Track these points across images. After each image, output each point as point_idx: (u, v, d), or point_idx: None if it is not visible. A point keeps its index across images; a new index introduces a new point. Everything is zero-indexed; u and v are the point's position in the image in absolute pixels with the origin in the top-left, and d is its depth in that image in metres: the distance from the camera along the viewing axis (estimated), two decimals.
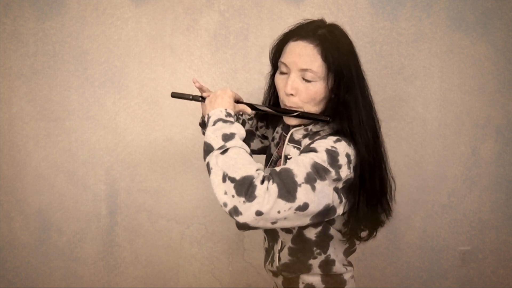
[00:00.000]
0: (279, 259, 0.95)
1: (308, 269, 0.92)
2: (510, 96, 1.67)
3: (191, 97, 0.96)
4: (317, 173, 0.74)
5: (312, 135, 0.88)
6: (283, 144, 0.93)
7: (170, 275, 1.70)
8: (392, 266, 1.78)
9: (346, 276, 0.94)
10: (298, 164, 0.74)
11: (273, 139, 1.03)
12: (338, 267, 0.92)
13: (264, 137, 1.15)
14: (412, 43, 1.59)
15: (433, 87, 1.64)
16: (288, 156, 0.91)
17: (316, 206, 0.73)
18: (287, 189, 0.70)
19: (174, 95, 0.98)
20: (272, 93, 0.97)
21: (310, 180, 0.73)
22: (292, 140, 0.92)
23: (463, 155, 1.70)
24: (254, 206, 0.68)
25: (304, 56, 0.81)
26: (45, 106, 1.53)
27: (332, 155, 0.76)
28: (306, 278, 0.93)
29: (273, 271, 0.99)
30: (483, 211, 1.76)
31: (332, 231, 0.89)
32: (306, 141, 0.88)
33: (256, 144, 1.15)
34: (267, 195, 0.69)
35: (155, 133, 1.59)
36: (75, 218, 1.62)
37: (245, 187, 0.69)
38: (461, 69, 1.64)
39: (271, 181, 0.71)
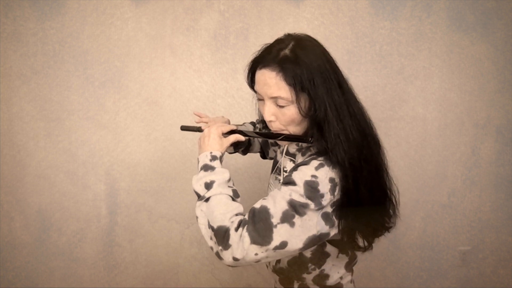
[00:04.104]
0: (278, 261, 0.96)
1: (301, 280, 0.94)
2: (510, 96, 1.67)
3: (196, 128, 1.04)
4: (294, 210, 0.74)
5: (304, 151, 0.89)
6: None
7: (170, 275, 1.70)
8: (392, 266, 1.78)
9: (343, 281, 0.95)
10: (276, 202, 0.76)
11: (279, 146, 1.04)
12: (332, 281, 0.93)
13: (277, 143, 1.16)
14: (412, 43, 1.59)
15: (433, 87, 1.64)
16: (284, 169, 0.93)
17: (296, 241, 0.74)
18: (260, 234, 0.73)
19: (183, 128, 1.08)
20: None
21: (287, 218, 0.74)
22: (288, 153, 0.94)
23: (463, 155, 1.70)
24: (229, 253, 0.75)
25: (270, 85, 0.80)
26: (45, 106, 1.53)
27: (311, 186, 0.75)
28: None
29: (271, 269, 1.01)
30: (483, 211, 1.76)
31: (329, 248, 0.89)
32: (299, 156, 0.89)
33: (271, 153, 1.19)
34: (240, 243, 0.74)
35: (155, 133, 1.59)
36: (75, 218, 1.62)
37: (220, 236, 0.76)
38: (461, 69, 1.64)
39: (245, 228, 0.75)
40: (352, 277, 0.98)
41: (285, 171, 0.92)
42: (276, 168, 1.00)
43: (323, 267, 0.91)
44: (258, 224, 0.74)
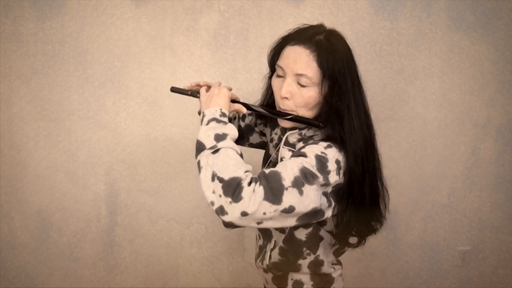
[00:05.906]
0: (270, 257, 0.96)
1: (297, 269, 0.94)
2: (510, 96, 1.67)
3: (189, 92, 0.97)
4: (305, 177, 0.75)
5: (306, 140, 0.89)
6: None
7: (170, 275, 1.70)
8: (392, 266, 1.78)
9: (334, 275, 0.96)
10: (287, 167, 0.76)
11: (271, 140, 1.03)
12: (326, 268, 0.94)
13: (263, 133, 1.16)
14: (412, 43, 1.59)
15: (433, 87, 1.64)
16: (283, 159, 0.92)
17: (302, 209, 0.75)
18: (273, 192, 0.72)
19: (173, 89, 1.00)
20: (270, 94, 0.98)
21: (297, 184, 0.74)
22: (287, 143, 0.93)
23: (463, 155, 1.70)
24: (240, 207, 0.71)
25: (300, 61, 0.82)
26: (45, 106, 1.53)
27: (321, 160, 0.77)
28: (295, 275, 0.95)
29: (264, 268, 1.00)
30: (483, 211, 1.76)
31: (323, 232, 0.91)
32: (300, 145, 0.89)
33: (255, 138, 1.17)
34: (253, 197, 0.71)
35: (155, 133, 1.59)
36: (75, 218, 1.62)
37: (232, 188, 0.71)
38: (461, 69, 1.64)
39: (258, 183, 0.73)
40: (341, 271, 0.99)
41: None
42: (269, 162, 0.99)
43: (317, 253, 0.92)
44: (271, 183, 0.73)
